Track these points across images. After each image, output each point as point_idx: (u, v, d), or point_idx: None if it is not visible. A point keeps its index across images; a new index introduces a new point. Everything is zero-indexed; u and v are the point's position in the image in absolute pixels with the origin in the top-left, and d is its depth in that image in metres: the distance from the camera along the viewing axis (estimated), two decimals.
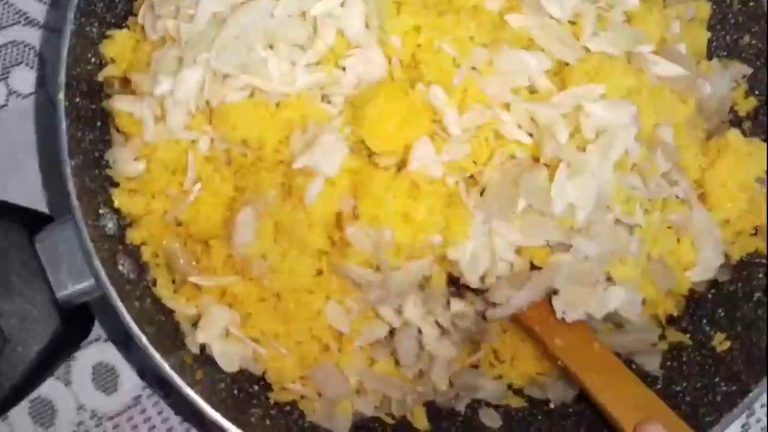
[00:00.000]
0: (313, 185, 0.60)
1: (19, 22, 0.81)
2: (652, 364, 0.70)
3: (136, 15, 0.69)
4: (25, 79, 0.80)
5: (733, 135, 0.72)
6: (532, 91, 0.64)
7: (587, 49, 0.64)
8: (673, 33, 0.71)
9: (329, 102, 0.64)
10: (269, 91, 0.62)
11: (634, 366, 0.71)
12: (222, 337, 0.64)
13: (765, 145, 0.72)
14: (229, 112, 0.62)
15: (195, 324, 0.65)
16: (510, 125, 0.62)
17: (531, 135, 0.63)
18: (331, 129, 0.61)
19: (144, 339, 0.59)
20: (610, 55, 0.64)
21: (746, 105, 0.76)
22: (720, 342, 0.70)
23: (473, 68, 0.63)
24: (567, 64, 0.64)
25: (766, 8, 0.73)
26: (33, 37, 0.81)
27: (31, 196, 0.76)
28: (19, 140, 0.78)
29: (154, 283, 0.66)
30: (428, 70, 0.63)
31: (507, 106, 0.63)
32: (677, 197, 0.67)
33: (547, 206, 0.61)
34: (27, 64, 0.80)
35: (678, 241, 0.68)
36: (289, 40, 0.62)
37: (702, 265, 0.68)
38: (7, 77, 0.80)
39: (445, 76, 0.63)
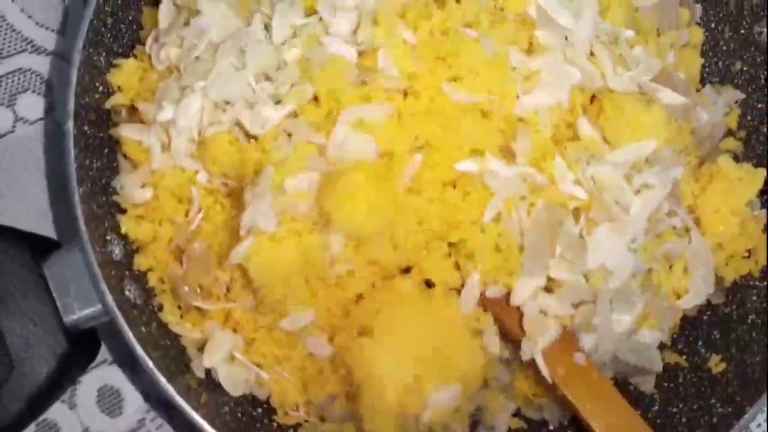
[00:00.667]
0: (241, 245, 0.61)
1: (25, 49, 0.82)
2: (647, 385, 0.71)
3: (142, 44, 0.70)
4: (32, 105, 0.81)
5: (724, 161, 0.73)
6: (568, 124, 0.65)
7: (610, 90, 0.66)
8: (669, 62, 0.72)
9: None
10: (250, 126, 0.63)
11: (630, 387, 0.72)
12: (227, 361, 0.65)
13: (755, 170, 0.74)
14: (209, 145, 0.63)
15: (201, 348, 0.66)
16: (567, 181, 0.63)
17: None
18: (266, 189, 0.61)
19: (150, 364, 0.60)
20: (639, 98, 0.66)
21: (731, 144, 0.77)
22: (716, 364, 0.71)
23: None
24: (593, 99, 0.66)
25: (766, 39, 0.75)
26: (40, 64, 0.82)
27: (38, 220, 0.77)
28: (26, 165, 0.79)
29: (160, 308, 0.67)
30: (456, 62, 0.62)
31: (560, 152, 0.63)
32: (674, 227, 0.69)
33: (582, 260, 0.62)
34: (34, 91, 0.82)
35: (670, 268, 0.69)
36: (278, 69, 0.63)
37: (694, 291, 0.69)
38: (14, 104, 0.81)
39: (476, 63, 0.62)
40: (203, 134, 0.63)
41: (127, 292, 0.65)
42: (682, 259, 0.69)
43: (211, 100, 0.62)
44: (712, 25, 0.79)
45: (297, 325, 0.64)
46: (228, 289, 0.66)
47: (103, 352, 0.75)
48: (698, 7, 0.78)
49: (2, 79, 0.81)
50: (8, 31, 0.82)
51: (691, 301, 0.70)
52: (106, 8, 0.67)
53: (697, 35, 0.78)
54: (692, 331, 0.74)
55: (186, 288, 0.65)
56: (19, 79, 0.82)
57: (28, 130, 0.80)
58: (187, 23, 0.65)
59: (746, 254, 0.74)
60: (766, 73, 0.76)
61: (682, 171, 0.68)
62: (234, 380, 0.65)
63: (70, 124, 0.63)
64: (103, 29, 0.67)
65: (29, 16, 0.83)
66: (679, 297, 0.70)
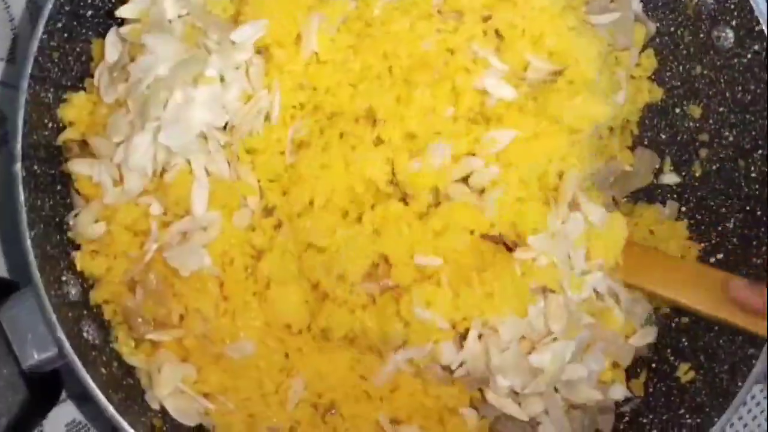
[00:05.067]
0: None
1: None
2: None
3: (92, 76, 0.69)
4: None
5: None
6: None
7: None
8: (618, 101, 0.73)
9: None
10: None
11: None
12: (175, 394, 0.64)
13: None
14: (170, 188, 0.63)
15: None
16: None
17: None
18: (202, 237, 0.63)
19: (111, 409, 0.60)
20: None
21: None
22: (684, 372, 0.72)
23: None
24: None
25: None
26: None
27: None
28: None
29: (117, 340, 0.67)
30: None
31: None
32: None
33: None
34: None
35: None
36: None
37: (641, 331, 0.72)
38: None
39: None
40: (159, 173, 0.63)
41: (85, 334, 0.64)
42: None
43: (163, 145, 0.62)
44: (672, 29, 0.78)
45: (243, 353, 0.64)
46: (182, 319, 0.65)
47: (70, 386, 0.74)
48: (652, 25, 0.78)
49: None
50: None
51: (641, 340, 0.71)
52: (51, 43, 0.65)
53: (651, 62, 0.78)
54: (661, 338, 0.74)
55: (140, 320, 0.64)
56: None
57: None
58: (133, 58, 0.63)
59: None
60: (725, 77, 0.76)
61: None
62: (184, 411, 0.65)
63: (18, 167, 0.61)
64: (49, 65, 0.66)
65: None
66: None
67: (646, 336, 0.71)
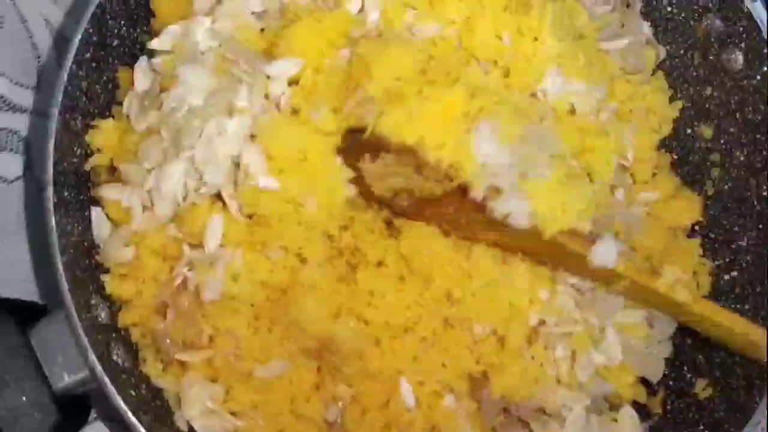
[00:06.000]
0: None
1: (1, 108, 0.82)
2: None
3: (119, 103, 0.70)
4: (10, 164, 0.80)
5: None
6: None
7: None
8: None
9: None
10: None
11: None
12: (204, 413, 0.65)
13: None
14: (186, 215, 0.64)
15: None
16: None
17: None
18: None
19: (142, 430, 0.60)
20: None
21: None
22: (702, 388, 0.73)
23: None
24: None
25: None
26: (17, 122, 0.81)
27: (22, 282, 0.76)
28: (7, 226, 0.78)
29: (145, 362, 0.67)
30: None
31: None
32: None
33: None
34: (12, 150, 0.81)
35: None
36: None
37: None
38: None
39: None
40: (182, 204, 0.64)
41: (114, 356, 0.65)
42: None
43: (198, 173, 0.63)
44: (682, 52, 0.80)
45: (274, 373, 0.65)
46: (211, 339, 0.66)
47: (97, 407, 0.75)
48: (662, 48, 0.80)
49: None
50: None
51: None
52: (80, 73, 0.67)
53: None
54: (677, 355, 0.75)
55: (168, 341, 0.65)
56: None
57: (7, 189, 0.79)
58: (165, 89, 0.65)
59: None
60: (736, 98, 0.77)
61: None
62: (213, 430, 0.65)
63: (50, 193, 0.63)
64: (77, 93, 0.67)
65: (2, 73, 0.82)
66: None
67: (663, 351, 0.72)
